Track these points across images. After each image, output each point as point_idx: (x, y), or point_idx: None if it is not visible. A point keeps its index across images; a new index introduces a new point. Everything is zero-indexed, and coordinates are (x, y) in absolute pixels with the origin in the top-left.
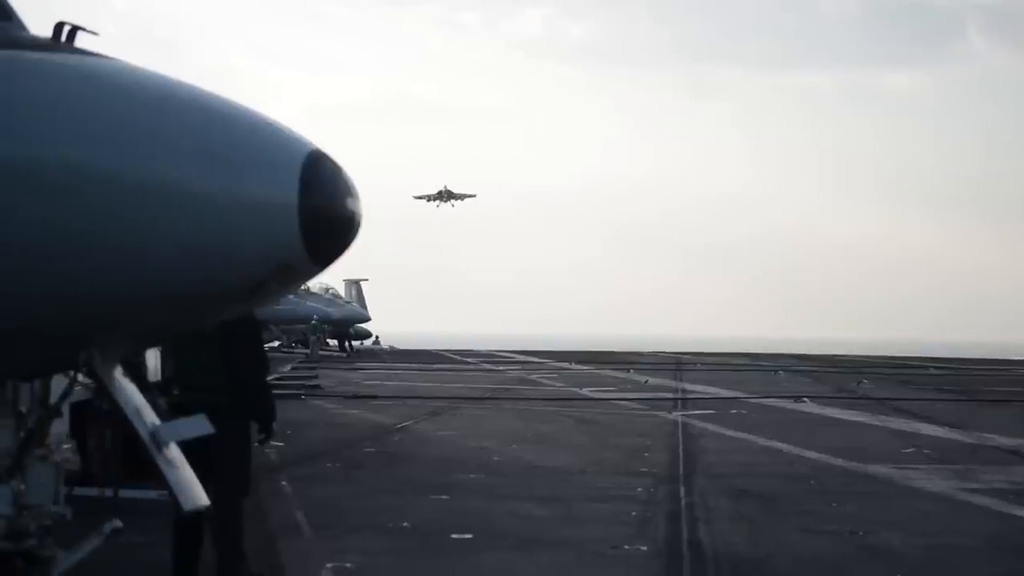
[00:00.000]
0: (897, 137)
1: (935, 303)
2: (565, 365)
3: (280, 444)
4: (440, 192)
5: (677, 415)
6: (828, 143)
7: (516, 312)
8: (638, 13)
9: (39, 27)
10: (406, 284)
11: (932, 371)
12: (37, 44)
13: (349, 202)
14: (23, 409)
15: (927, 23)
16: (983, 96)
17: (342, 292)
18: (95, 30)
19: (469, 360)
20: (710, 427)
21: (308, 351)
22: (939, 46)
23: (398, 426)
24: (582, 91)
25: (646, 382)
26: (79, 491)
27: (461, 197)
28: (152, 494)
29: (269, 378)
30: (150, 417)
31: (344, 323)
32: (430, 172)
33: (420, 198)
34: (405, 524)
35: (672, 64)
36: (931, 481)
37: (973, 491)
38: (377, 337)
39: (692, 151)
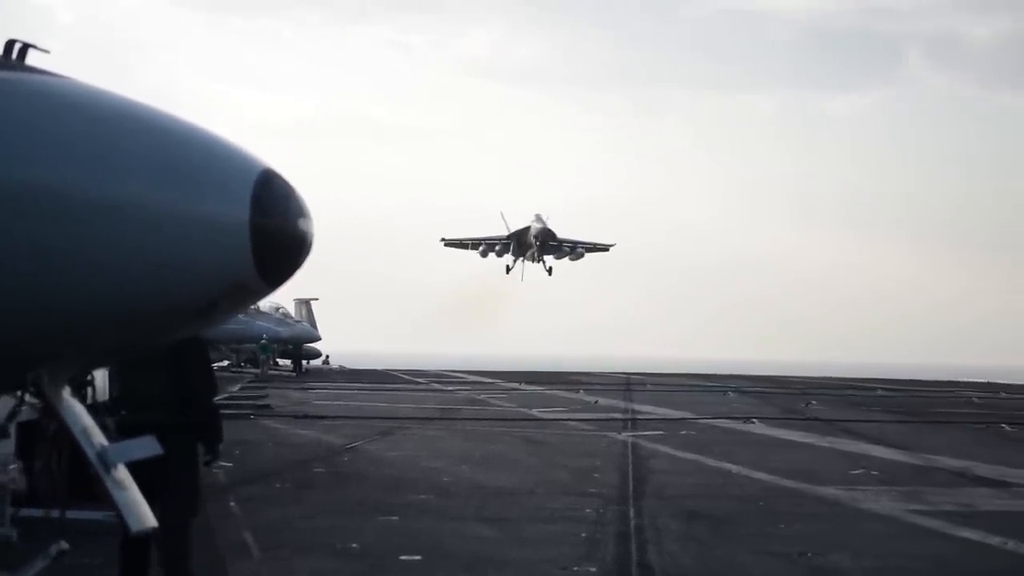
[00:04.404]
0: (841, 160)
1: (880, 325)
2: (515, 385)
3: (229, 464)
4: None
5: (627, 436)
6: (774, 165)
7: (467, 332)
8: (584, 35)
9: None
10: (358, 303)
11: (880, 392)
12: None
13: (301, 222)
14: None
15: (869, 48)
16: (923, 119)
17: (292, 311)
18: (46, 48)
19: (419, 380)
20: (660, 448)
21: (258, 371)
22: (880, 71)
23: (348, 446)
24: (531, 112)
25: (596, 402)
26: (25, 512)
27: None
28: (99, 515)
29: (217, 398)
30: (98, 438)
31: (294, 342)
32: (379, 192)
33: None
34: (354, 545)
35: (619, 85)
36: (879, 503)
37: (921, 513)
38: (328, 357)
39: (641, 171)
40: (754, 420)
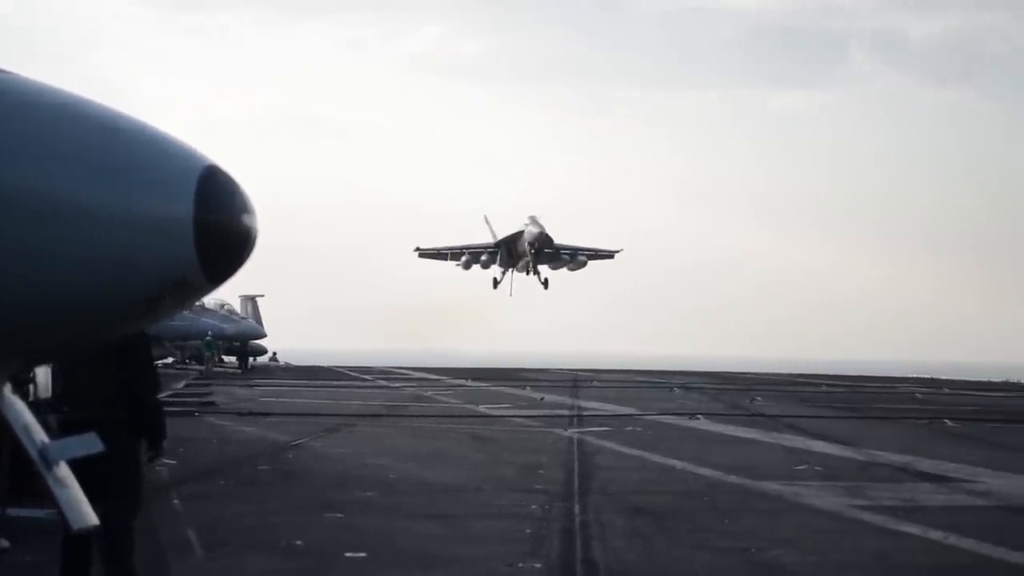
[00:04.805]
0: (784, 156)
1: (826, 322)
2: (461, 382)
3: (173, 462)
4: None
5: (573, 432)
6: (722, 163)
7: (414, 329)
8: (532, 31)
9: None
10: (304, 300)
11: (824, 388)
12: None
13: (245, 218)
14: None
15: (812, 46)
16: (865, 116)
17: (238, 308)
18: None
19: (366, 377)
20: (605, 444)
21: (203, 367)
22: (823, 68)
23: (293, 443)
24: (479, 108)
25: (542, 399)
26: None
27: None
28: (40, 513)
29: (160, 395)
30: (39, 435)
31: (240, 339)
32: (331, 188)
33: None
34: (299, 543)
35: (569, 82)
36: (822, 498)
37: (863, 508)
38: (274, 353)
39: (592, 169)
40: (699, 416)
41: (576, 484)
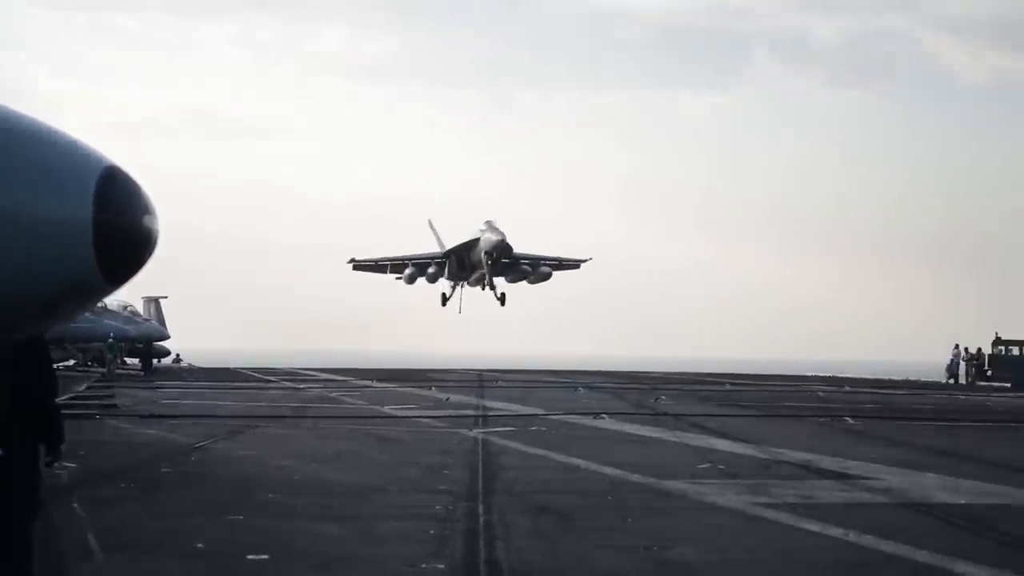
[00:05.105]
0: (690, 157)
1: (733, 322)
2: (367, 383)
3: (73, 465)
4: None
5: (478, 432)
6: (626, 162)
7: (323, 331)
8: (437, 32)
9: None
10: (209, 301)
11: (728, 387)
12: None
13: (146, 219)
14: None
15: (718, 47)
16: (768, 117)
17: (141, 309)
18: None
19: (270, 378)
20: (510, 444)
21: (105, 370)
22: (730, 69)
23: (196, 446)
24: (383, 108)
25: (447, 399)
26: None
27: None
28: None
29: (59, 398)
30: None
31: (142, 341)
32: (233, 187)
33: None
34: (200, 545)
35: (472, 83)
36: (725, 496)
37: (765, 505)
38: (178, 355)
39: (494, 169)
40: (604, 415)
41: (480, 484)
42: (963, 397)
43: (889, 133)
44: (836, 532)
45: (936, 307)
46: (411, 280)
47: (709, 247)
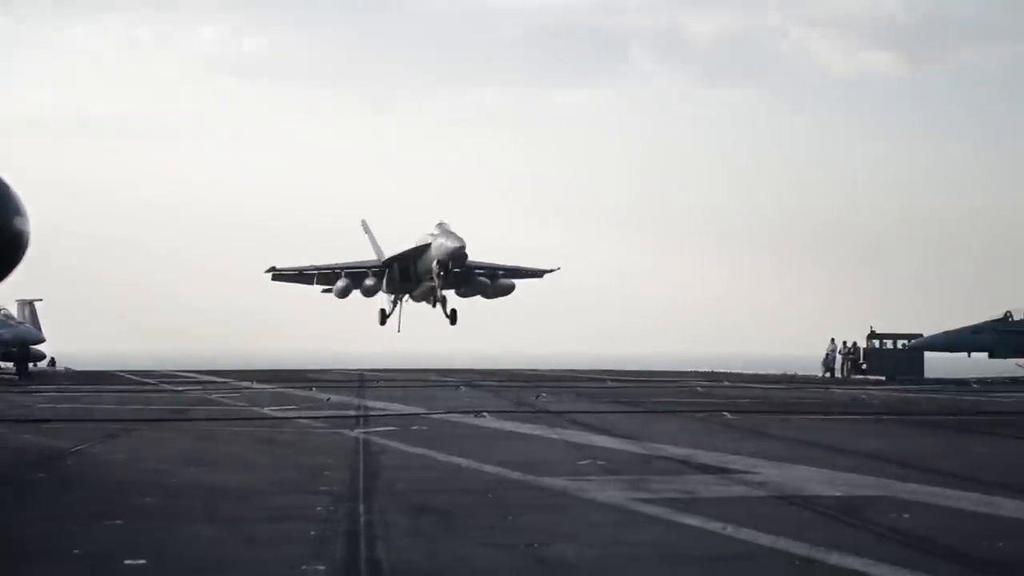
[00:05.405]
0: (570, 153)
1: (611, 318)
2: (247, 384)
3: None
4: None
5: (359, 432)
6: (505, 160)
7: (202, 331)
8: (314, 30)
9: None
10: (88, 304)
11: (609, 384)
12: None
13: (16, 221)
14: None
15: (593, 45)
16: (648, 113)
17: (15, 312)
18: None
19: (149, 381)
20: (391, 444)
21: None
22: (605, 66)
23: (72, 450)
24: (261, 107)
25: (328, 400)
26: None
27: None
28: None
29: None
30: None
31: (16, 344)
32: (113, 189)
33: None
34: (76, 551)
35: (352, 81)
36: (605, 492)
37: (645, 501)
38: (53, 359)
39: (372, 166)
40: (485, 414)
41: (361, 485)
42: (839, 391)
43: (768, 129)
44: (715, 526)
45: (814, 302)
46: (343, 293)
47: (587, 243)
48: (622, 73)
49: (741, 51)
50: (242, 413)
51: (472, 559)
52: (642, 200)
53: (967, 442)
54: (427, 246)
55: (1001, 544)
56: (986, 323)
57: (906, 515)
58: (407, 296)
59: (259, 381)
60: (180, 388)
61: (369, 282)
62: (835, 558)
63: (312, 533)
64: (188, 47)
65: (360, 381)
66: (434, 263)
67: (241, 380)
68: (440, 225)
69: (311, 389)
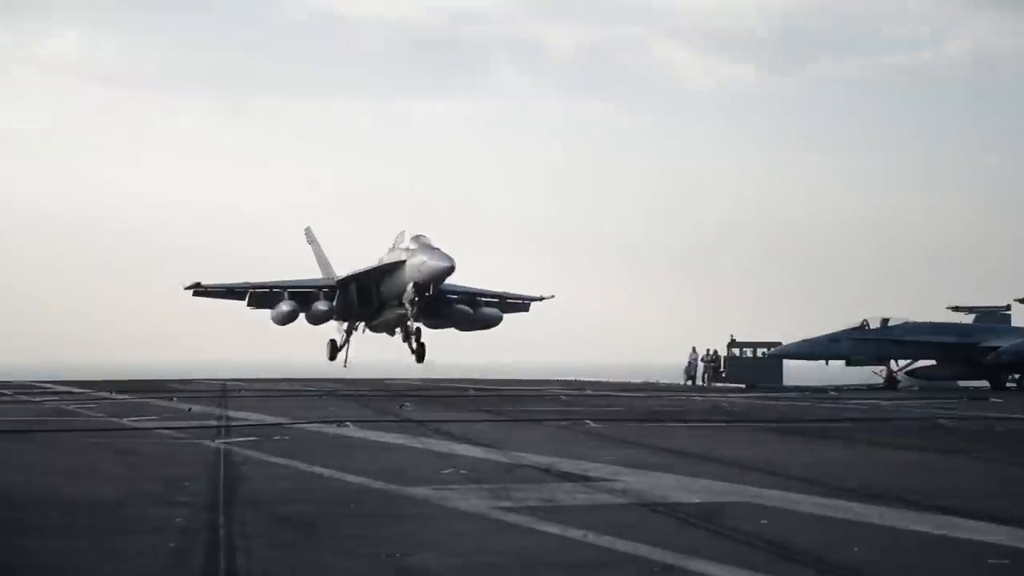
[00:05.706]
0: (432, 164)
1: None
2: (105, 395)
3: None
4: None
5: (220, 443)
6: (365, 171)
7: (63, 341)
8: (173, 35)
9: None
10: None
11: (472, 393)
12: None
13: None
14: None
15: (455, 55)
16: (510, 123)
17: None
18: None
19: (4, 392)
20: (253, 454)
21: None
22: (467, 77)
23: None
24: (119, 115)
25: (189, 410)
26: None
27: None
28: None
29: None
30: None
31: None
32: None
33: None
34: None
35: (211, 87)
36: (468, 501)
37: (507, 509)
38: None
39: (231, 175)
40: (348, 423)
41: (222, 496)
42: (700, 398)
43: (629, 141)
44: (576, 534)
45: (676, 311)
46: (286, 319)
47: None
48: (484, 85)
49: (603, 63)
50: (100, 424)
51: (334, 570)
52: (505, 211)
53: (824, 448)
54: (399, 264)
55: (856, 549)
56: (843, 331)
57: (764, 521)
58: (362, 325)
59: (118, 391)
60: (37, 399)
61: (320, 307)
62: (695, 564)
63: (172, 545)
64: (43, 53)
65: (223, 391)
66: (409, 286)
67: (99, 391)
68: (418, 239)
69: (172, 399)
